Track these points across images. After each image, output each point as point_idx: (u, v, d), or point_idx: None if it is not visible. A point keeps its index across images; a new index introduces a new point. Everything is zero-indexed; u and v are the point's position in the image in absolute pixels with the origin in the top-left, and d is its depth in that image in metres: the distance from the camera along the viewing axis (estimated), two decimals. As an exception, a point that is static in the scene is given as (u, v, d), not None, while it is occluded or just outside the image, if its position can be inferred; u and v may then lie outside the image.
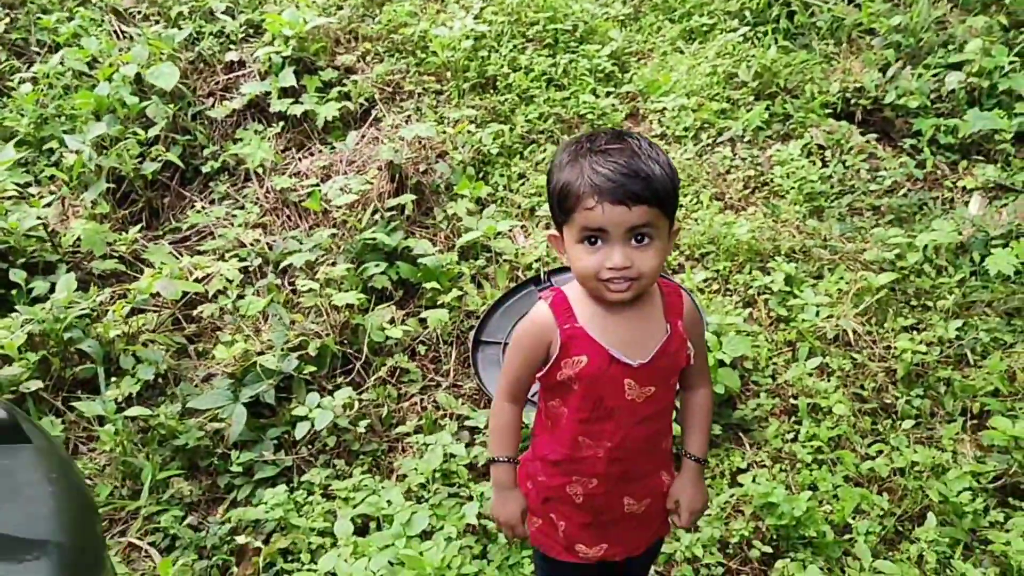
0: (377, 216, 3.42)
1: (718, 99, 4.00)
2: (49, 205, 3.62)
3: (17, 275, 3.15)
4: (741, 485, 2.45)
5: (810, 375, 2.77)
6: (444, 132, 3.78)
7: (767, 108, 3.91)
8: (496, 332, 3.08)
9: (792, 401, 2.74)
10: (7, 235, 3.29)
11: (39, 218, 3.32)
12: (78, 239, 3.50)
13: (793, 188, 3.55)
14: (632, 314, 1.51)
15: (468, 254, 3.41)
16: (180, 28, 4.39)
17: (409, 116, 4.04)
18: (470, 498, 2.48)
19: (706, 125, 3.90)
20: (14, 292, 3.16)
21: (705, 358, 1.72)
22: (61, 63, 4.15)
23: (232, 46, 4.41)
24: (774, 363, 2.86)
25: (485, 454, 2.55)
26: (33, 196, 3.66)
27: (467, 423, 2.79)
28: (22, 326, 2.87)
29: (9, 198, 3.44)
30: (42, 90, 4.19)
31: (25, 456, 1.06)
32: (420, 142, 3.72)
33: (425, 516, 2.33)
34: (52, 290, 3.19)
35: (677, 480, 1.68)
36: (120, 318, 2.99)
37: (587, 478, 1.60)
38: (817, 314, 2.99)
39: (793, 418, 2.71)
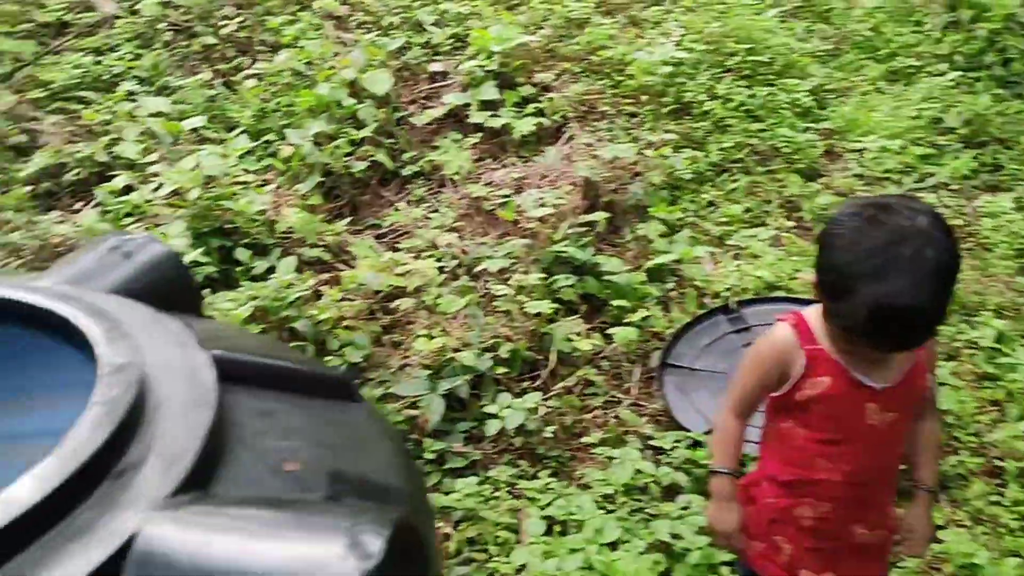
0: (570, 231, 3.53)
1: (922, 143, 3.91)
2: (267, 193, 3.91)
3: (243, 254, 3.43)
4: (940, 542, 2.39)
5: (1019, 438, 2.67)
6: (640, 154, 3.86)
7: (976, 157, 3.80)
8: (682, 357, 3.12)
9: (997, 462, 2.65)
10: (235, 216, 3.58)
11: (262, 204, 3.59)
12: (291, 226, 3.77)
13: (1003, 242, 3.42)
14: None
15: (656, 276, 3.46)
16: (391, 37, 4.66)
17: (602, 136, 4.15)
18: (656, 516, 2.53)
19: (908, 169, 3.82)
20: (237, 269, 3.45)
21: (935, 387, 1.72)
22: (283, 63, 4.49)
23: (437, 57, 4.65)
24: (978, 421, 2.78)
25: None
26: (252, 183, 3.97)
27: (651, 442, 2.84)
28: (248, 301, 3.12)
29: (239, 183, 3.74)
30: (264, 86, 4.54)
31: (362, 413, 1.19)
32: (615, 162, 3.81)
33: (615, 526, 2.40)
34: (269, 271, 3.46)
35: (912, 510, 1.70)
36: (333, 302, 3.21)
37: (820, 501, 1.62)
38: (1029, 375, 2.89)
39: (997, 480, 2.62)
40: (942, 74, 4.23)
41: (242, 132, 4.19)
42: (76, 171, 4.20)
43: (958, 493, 2.58)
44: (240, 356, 1.13)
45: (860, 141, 3.94)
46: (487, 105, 4.28)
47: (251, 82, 4.56)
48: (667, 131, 4.02)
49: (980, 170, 3.79)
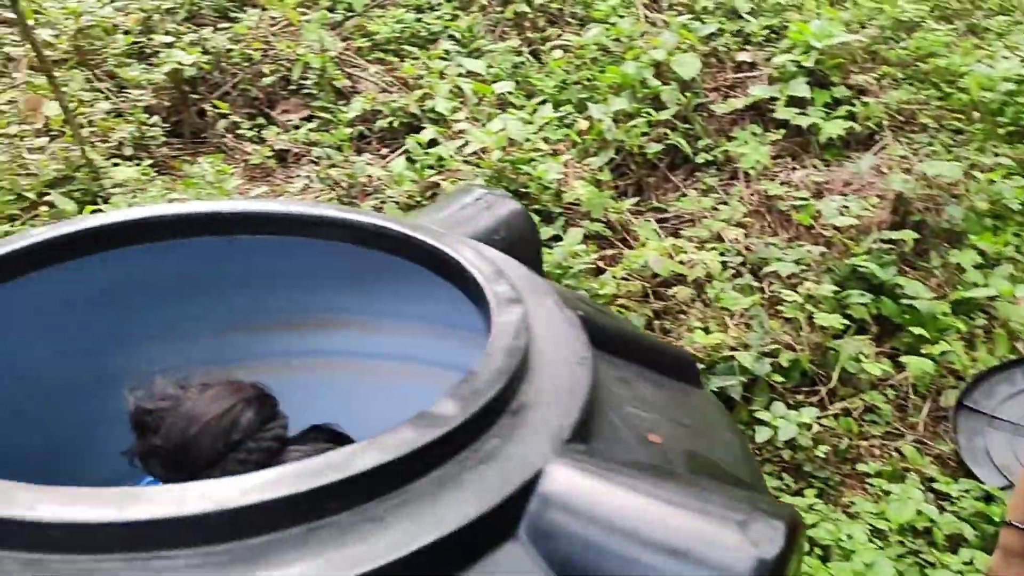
0: (873, 245, 3.33)
1: None
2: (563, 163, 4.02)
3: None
4: None
5: None
6: (966, 175, 3.54)
7: None
8: (982, 402, 2.86)
9: None
10: (530, 180, 3.71)
11: (563, 173, 3.69)
12: (577, 198, 3.85)
13: None
14: None
15: (963, 309, 3.18)
16: (703, 22, 4.59)
17: (918, 150, 3.85)
18: (933, 565, 2.35)
19: None
20: (527, 232, 3.58)
21: None
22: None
23: (747, 47, 4.52)
24: None
25: (1006, 515, 2.39)
26: (545, 151, 4.09)
27: (934, 485, 2.64)
28: (536, 264, 3.23)
29: (537, 151, 3.87)
30: (570, 59, 4.65)
31: (704, 400, 1.19)
32: (932, 180, 3.53)
33: (889, 566, 2.26)
34: (552, 239, 3.56)
35: None
36: (615, 279, 3.25)
37: None
38: None
39: None
40: None
41: (543, 101, 4.32)
42: (389, 119, 4.54)
43: None
44: (600, 320, 1.17)
45: None
46: (794, 102, 4.11)
47: (558, 53, 4.68)
48: (999, 154, 3.66)
49: None
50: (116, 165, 4.09)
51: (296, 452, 0.99)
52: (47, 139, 4.23)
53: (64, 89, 4.19)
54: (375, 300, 1.53)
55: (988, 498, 2.51)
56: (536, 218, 3.65)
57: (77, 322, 1.31)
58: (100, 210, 3.66)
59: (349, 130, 4.36)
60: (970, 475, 2.62)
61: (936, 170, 3.43)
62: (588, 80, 4.52)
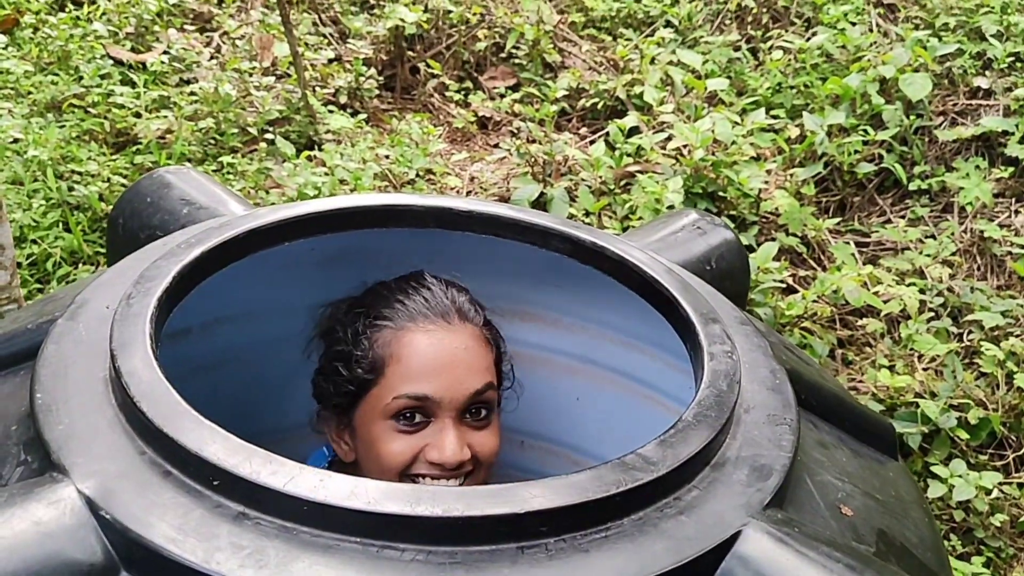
0: (1095, 311, 3.07)
1: None
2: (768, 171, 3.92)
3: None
4: None
5: None
6: None
7: None
8: None
9: None
10: (729, 184, 3.65)
11: (764, 181, 3.61)
12: (777, 209, 3.75)
13: None
14: None
15: None
16: (941, 41, 4.31)
17: None
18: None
19: None
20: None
21: None
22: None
23: (986, 73, 4.22)
24: None
25: None
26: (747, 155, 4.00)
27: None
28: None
29: (742, 154, 3.79)
30: (789, 60, 4.50)
31: (898, 473, 1.17)
32: None
33: (1056, 658, 2.12)
34: (745, 248, 3.50)
35: None
36: (806, 300, 3.17)
37: None
38: None
39: None
40: None
41: (754, 102, 4.21)
42: (593, 100, 4.57)
43: None
44: (806, 375, 1.17)
45: None
46: (1031, 140, 3.81)
47: (778, 54, 4.53)
48: None
49: None
50: (331, 112, 4.35)
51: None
52: (273, 79, 4.55)
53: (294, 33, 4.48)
54: (566, 301, 1.58)
55: None
56: (731, 224, 3.59)
57: (303, 284, 1.44)
58: (314, 155, 3.93)
59: (554, 107, 4.42)
60: None
61: None
62: (805, 87, 4.37)
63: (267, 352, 1.51)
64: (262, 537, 0.76)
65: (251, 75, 4.52)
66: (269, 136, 4.02)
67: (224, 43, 4.86)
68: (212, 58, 4.73)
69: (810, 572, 0.79)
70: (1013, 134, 3.84)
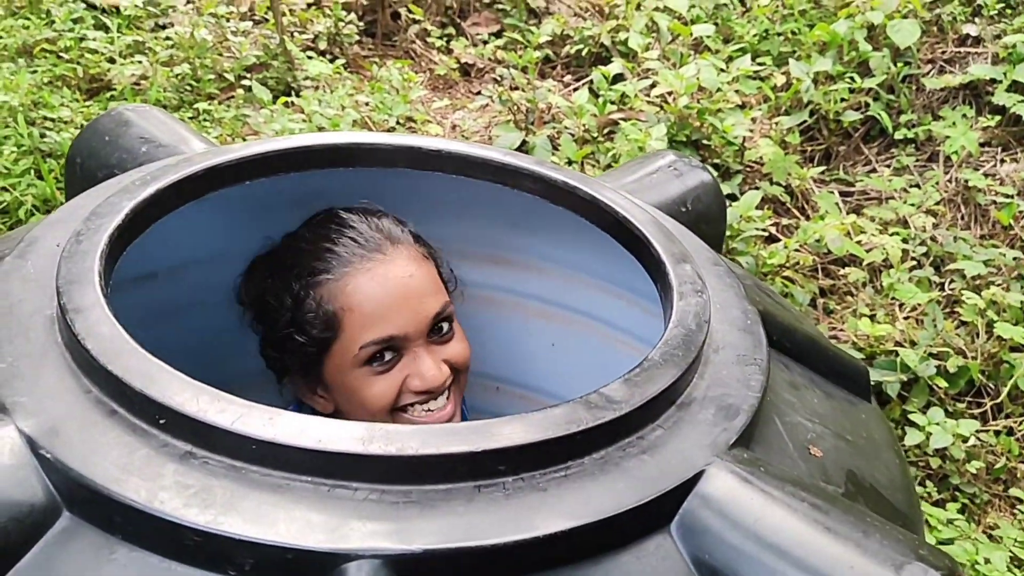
0: (1077, 259, 3.06)
1: None
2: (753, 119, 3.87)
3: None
4: None
5: None
6: None
7: None
8: None
9: None
10: (713, 132, 3.60)
11: (749, 129, 3.56)
12: (760, 158, 3.71)
13: None
14: None
15: None
16: (935, -15, 4.24)
17: None
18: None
19: None
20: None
21: None
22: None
23: (976, 20, 4.15)
24: None
25: None
26: (732, 103, 3.94)
27: (1094, 526, 2.47)
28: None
29: (728, 103, 3.74)
30: (777, 6, 4.42)
31: (871, 415, 1.16)
32: None
33: (1026, 600, 2.15)
34: (727, 197, 3.46)
35: None
36: (788, 249, 3.15)
37: None
38: None
39: None
40: None
41: (740, 49, 4.14)
42: (577, 47, 4.49)
43: None
44: (779, 317, 1.14)
45: None
46: (1018, 87, 3.77)
47: (765, 0, 4.46)
48: None
49: None
50: (310, 58, 4.26)
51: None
52: (251, 24, 4.44)
53: (273, -24, 4.37)
54: (540, 244, 1.55)
55: None
56: (715, 173, 3.55)
57: (271, 227, 1.40)
58: (292, 102, 3.85)
59: (537, 53, 4.34)
60: None
61: None
62: (793, 34, 4.30)
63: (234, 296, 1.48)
64: (209, 476, 0.73)
65: (228, 20, 4.41)
66: (246, 82, 3.93)
67: (200, -13, 4.74)
68: (188, 2, 4.61)
69: (774, 511, 0.78)
70: (1001, 82, 3.79)
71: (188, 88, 4.00)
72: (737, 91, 3.81)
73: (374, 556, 0.68)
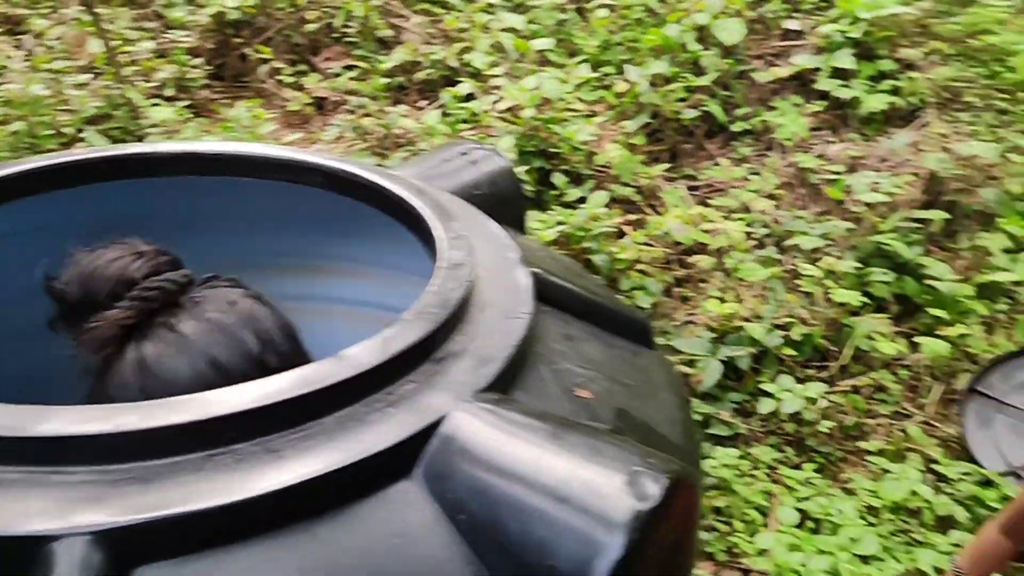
0: (900, 224, 3.26)
1: None
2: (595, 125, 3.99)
3: (559, 179, 3.56)
4: None
5: None
6: (1004, 157, 3.44)
7: None
8: (996, 387, 2.80)
9: None
10: (561, 141, 3.70)
11: (596, 135, 3.67)
12: (609, 161, 3.82)
13: None
14: None
15: (987, 293, 3.11)
16: (753, -14, 4.47)
17: (959, 129, 3.74)
18: (922, 543, 2.34)
19: None
20: (551, 193, 3.58)
21: None
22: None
23: (796, 14, 4.41)
24: None
25: (952, 560, 2.35)
26: (581, 112, 4.07)
27: (935, 466, 2.61)
28: (555, 225, 3.24)
29: (571, 111, 3.85)
30: (614, 18, 4.59)
31: (653, 360, 1.21)
32: (971, 160, 3.43)
33: (875, 541, 2.25)
34: (579, 200, 3.56)
35: None
36: (635, 243, 3.24)
37: None
38: None
39: None
40: None
41: (583, 61, 4.28)
42: (428, 71, 4.55)
43: None
44: (555, 279, 1.18)
45: None
46: (838, 73, 4.01)
47: (603, 12, 4.62)
48: (1042, 135, 3.54)
49: None
50: (156, 105, 4.18)
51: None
52: (91, 76, 4.33)
53: (110, 27, 4.28)
54: (359, 249, 1.56)
55: (986, 483, 2.48)
56: (564, 178, 3.64)
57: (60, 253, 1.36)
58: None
59: (385, 80, 4.38)
60: (973, 460, 2.59)
61: (973, 150, 3.32)
62: (632, 42, 4.46)
63: None
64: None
65: (66, 74, 4.29)
66: (85, 135, 3.83)
67: (37, 44, 4.59)
68: (26, 60, 4.46)
69: (514, 440, 0.80)
70: (822, 70, 4.02)
71: (25, 145, 3.85)
72: (580, 99, 3.93)
73: (83, 533, 0.66)
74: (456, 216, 1.19)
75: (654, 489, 0.74)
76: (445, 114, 4.08)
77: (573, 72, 3.95)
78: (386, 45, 4.94)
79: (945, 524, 2.43)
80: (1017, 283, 3.07)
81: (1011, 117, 3.75)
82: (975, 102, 3.82)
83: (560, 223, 3.24)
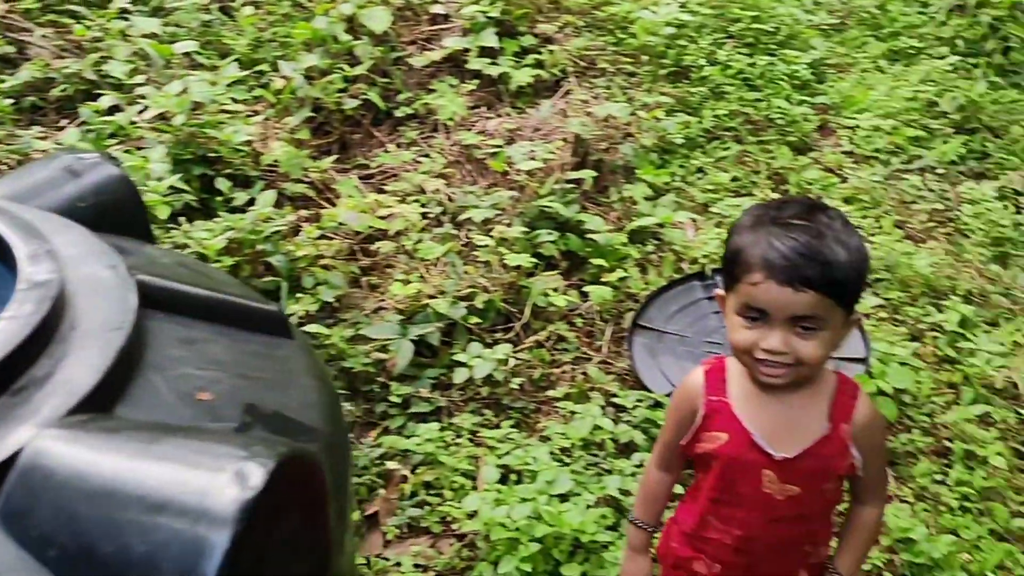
0: (556, 186, 3.51)
1: (915, 125, 3.88)
2: (254, 124, 3.88)
3: (223, 184, 3.41)
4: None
5: (970, 421, 2.70)
6: (633, 115, 3.82)
7: (965, 143, 3.77)
8: (655, 319, 3.13)
9: (946, 443, 2.68)
10: (219, 145, 3.55)
11: (248, 135, 3.56)
12: (276, 160, 3.74)
13: (980, 229, 3.42)
14: (789, 402, 1.41)
15: (637, 238, 3.45)
16: (395, -25, 4.57)
17: (598, 94, 4.10)
18: (610, 471, 2.55)
19: (898, 150, 3.79)
20: (217, 199, 3.43)
21: (883, 471, 1.57)
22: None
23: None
24: (933, 402, 2.80)
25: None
26: (241, 113, 3.93)
27: (614, 400, 2.86)
28: (224, 232, 3.11)
29: (226, 112, 3.70)
30: (261, 15, 4.48)
31: (292, 350, 1.20)
32: (608, 121, 3.78)
33: (568, 479, 2.43)
34: (249, 203, 3.44)
35: None
36: (310, 240, 3.20)
37: (712, 561, 1.56)
38: (987, 362, 2.90)
39: (944, 460, 2.65)
40: (942, 57, 4.19)
41: (234, 60, 4.13)
42: (63, 87, 4.15)
43: (904, 470, 2.62)
44: (165, 283, 1.13)
45: (854, 118, 3.91)
46: (486, 52, 4.23)
47: (248, 9, 4.49)
48: (663, 94, 3.98)
49: (968, 156, 3.76)
50: None
51: None
52: None
53: None
54: None
55: (656, 405, 2.76)
56: (228, 183, 3.50)
57: None
58: None
59: (11, 101, 3.93)
60: (644, 387, 2.87)
61: (607, 111, 3.66)
62: (284, 37, 4.38)
63: None
64: None
65: None
66: None
67: None
68: None
69: (103, 458, 0.76)
70: (471, 50, 4.21)
71: None
72: (234, 100, 3.79)
73: None
74: (45, 234, 1.09)
75: (258, 475, 0.74)
76: (88, 131, 3.75)
77: (223, 73, 3.80)
78: (10, 63, 4.43)
79: (628, 449, 2.68)
80: (660, 225, 3.44)
81: (638, 79, 4.17)
82: (608, 68, 4.20)
83: (229, 228, 3.12)
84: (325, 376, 1.23)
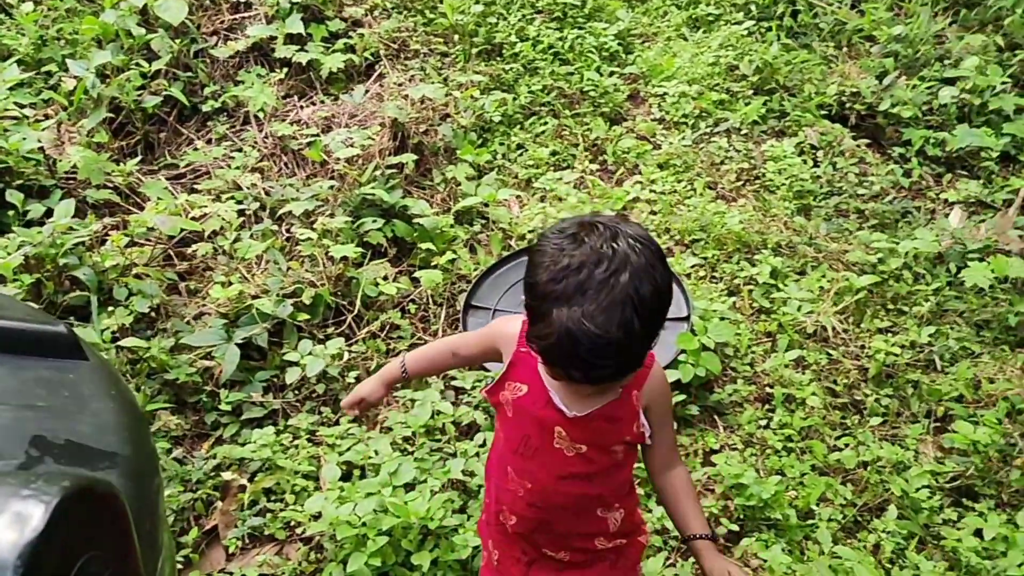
0: (377, 172, 3.46)
1: (718, 89, 4.08)
2: (46, 129, 3.59)
3: (14, 196, 3.15)
4: (714, 465, 2.56)
5: (787, 367, 2.89)
6: (449, 95, 3.81)
7: (765, 103, 4.01)
8: (486, 298, 3.15)
9: (768, 390, 2.86)
10: (6, 155, 3.26)
11: (39, 141, 3.29)
12: (74, 166, 3.48)
13: (784, 184, 3.65)
14: None
15: (464, 219, 3.46)
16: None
17: (413, 75, 4.07)
18: (454, 454, 2.56)
19: (704, 114, 3.99)
20: (10, 213, 3.16)
21: (672, 436, 1.59)
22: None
23: (239, -13, 4.37)
24: (753, 352, 2.98)
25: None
26: (29, 118, 3.63)
27: (453, 383, 2.87)
28: (19, 248, 2.87)
29: (10, 118, 3.40)
30: (43, 11, 4.14)
31: (86, 371, 1.11)
32: (425, 103, 3.75)
33: (411, 468, 2.41)
34: (47, 214, 3.19)
35: (708, 563, 1.55)
36: (118, 249, 3.01)
37: (511, 512, 1.60)
38: (799, 309, 3.11)
39: (767, 406, 2.83)
40: (739, 23, 4.42)
41: (15, 62, 3.80)
42: None
43: (732, 419, 2.77)
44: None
45: (662, 86, 4.07)
46: (294, 39, 4.09)
47: (28, 6, 4.14)
48: (477, 72, 3.99)
49: (768, 116, 4.00)
50: None
51: None
52: None
53: None
54: None
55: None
56: (20, 195, 3.23)
57: None
58: None
59: None
60: (481, 366, 2.89)
61: (422, 92, 3.63)
62: (71, 34, 4.07)
63: None
64: None
65: None
66: None
67: None
68: None
69: None
70: (278, 38, 4.06)
71: None
72: (19, 104, 3.49)
73: None
74: None
75: (39, 514, 0.67)
76: None
77: (3, 76, 3.48)
78: None
79: (471, 430, 2.69)
80: (485, 204, 3.46)
81: (452, 58, 4.17)
82: (420, 49, 4.17)
83: (26, 244, 2.88)
84: (125, 395, 1.15)
